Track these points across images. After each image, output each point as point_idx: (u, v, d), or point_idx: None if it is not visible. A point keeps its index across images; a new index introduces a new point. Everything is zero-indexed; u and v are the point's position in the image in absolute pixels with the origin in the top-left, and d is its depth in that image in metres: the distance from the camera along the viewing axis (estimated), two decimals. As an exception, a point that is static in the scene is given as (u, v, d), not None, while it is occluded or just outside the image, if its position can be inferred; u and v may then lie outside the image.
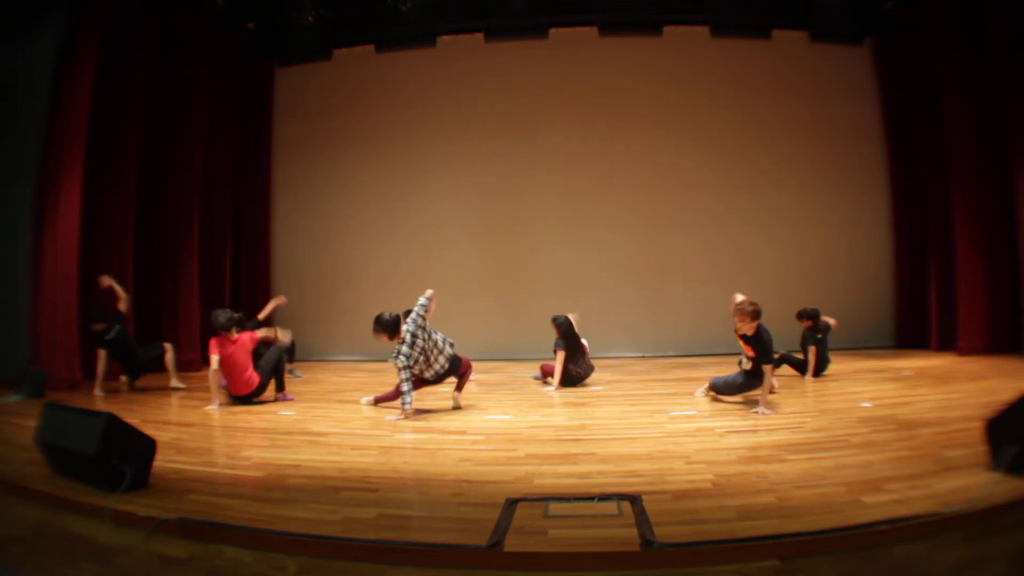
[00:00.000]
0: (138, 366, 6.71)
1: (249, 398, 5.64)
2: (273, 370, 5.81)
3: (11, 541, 3.12)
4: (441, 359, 5.22)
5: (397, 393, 5.10)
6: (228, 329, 5.58)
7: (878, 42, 9.65)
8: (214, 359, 5.47)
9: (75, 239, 6.93)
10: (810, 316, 6.72)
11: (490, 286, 9.79)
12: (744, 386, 5.11)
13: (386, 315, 4.99)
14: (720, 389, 5.27)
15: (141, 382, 6.79)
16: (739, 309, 4.81)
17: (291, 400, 5.85)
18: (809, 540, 2.29)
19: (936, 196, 8.59)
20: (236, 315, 5.81)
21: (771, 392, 5.03)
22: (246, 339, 5.68)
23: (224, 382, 5.64)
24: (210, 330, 5.73)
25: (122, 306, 6.55)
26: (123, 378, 6.73)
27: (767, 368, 4.81)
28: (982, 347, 7.76)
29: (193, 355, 8.27)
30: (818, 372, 6.61)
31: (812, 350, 6.59)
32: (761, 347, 4.82)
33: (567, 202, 9.86)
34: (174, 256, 8.60)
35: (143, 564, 2.63)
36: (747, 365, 5.08)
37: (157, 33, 8.01)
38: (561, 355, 6.32)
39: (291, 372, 8.04)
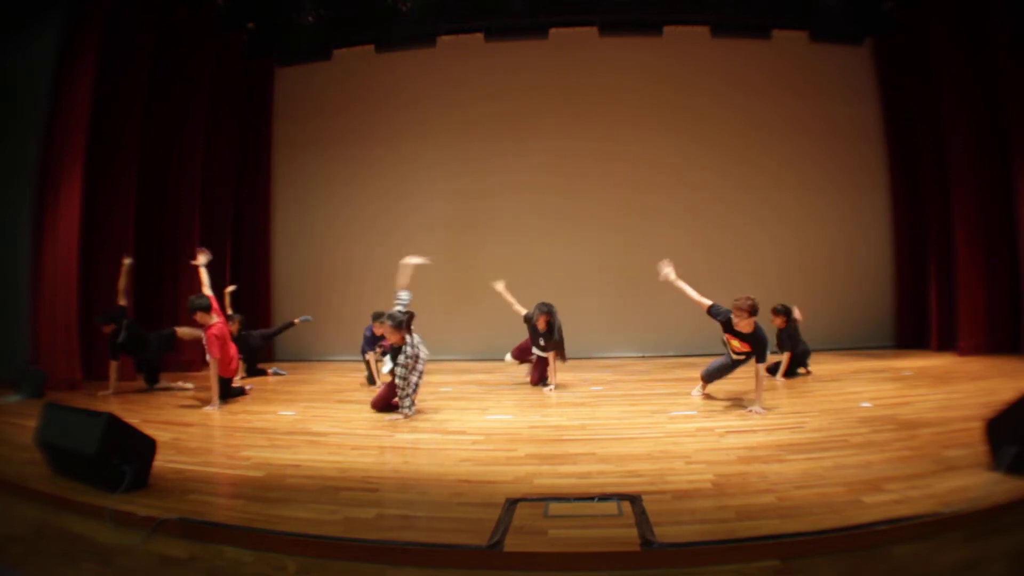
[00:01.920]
0: (155, 358, 6.70)
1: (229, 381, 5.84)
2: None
3: (11, 541, 3.12)
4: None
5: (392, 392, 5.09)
6: (208, 311, 5.64)
7: (878, 42, 9.65)
8: (213, 362, 5.55)
9: (75, 239, 6.93)
10: (785, 312, 6.57)
11: (490, 286, 9.79)
12: (730, 367, 5.21)
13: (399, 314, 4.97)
14: (711, 376, 5.37)
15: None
16: (737, 306, 4.77)
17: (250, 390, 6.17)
18: (809, 540, 2.29)
19: (936, 196, 8.60)
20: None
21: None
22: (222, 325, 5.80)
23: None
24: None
25: (121, 300, 6.50)
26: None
27: (760, 366, 4.82)
28: (982, 347, 7.76)
29: (194, 355, 8.27)
30: (802, 363, 6.61)
31: (787, 355, 6.52)
32: (759, 345, 4.82)
33: (568, 202, 9.86)
34: (174, 256, 8.59)
35: (143, 564, 2.62)
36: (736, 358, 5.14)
37: (157, 33, 8.02)
38: (553, 354, 6.30)
39: (275, 372, 8.14)
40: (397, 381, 4.89)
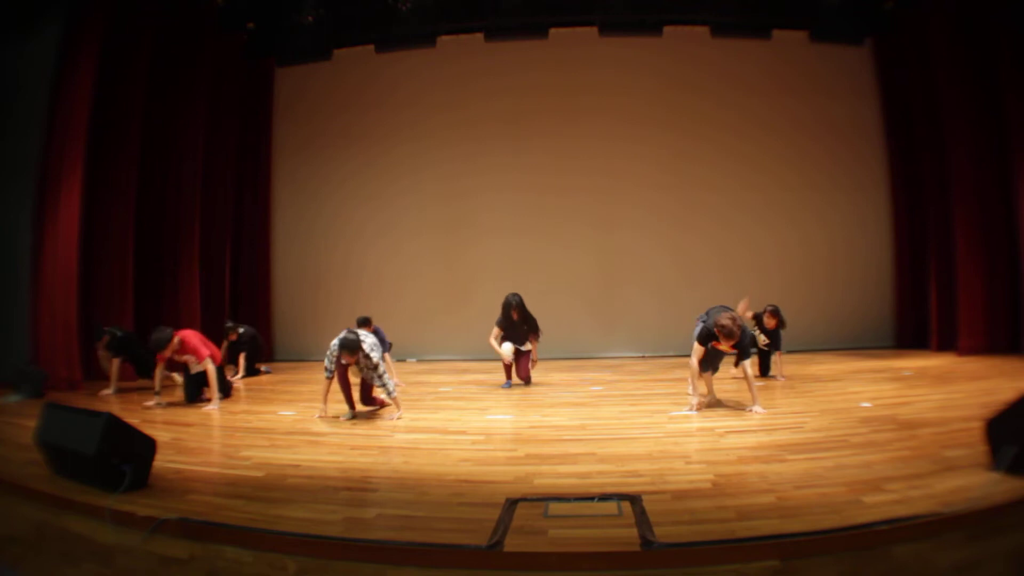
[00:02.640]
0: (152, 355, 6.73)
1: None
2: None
3: (11, 541, 3.12)
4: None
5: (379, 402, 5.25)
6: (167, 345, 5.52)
7: (878, 42, 9.65)
8: (208, 362, 5.59)
9: (75, 239, 6.93)
10: (776, 312, 6.44)
11: (489, 286, 9.78)
12: (718, 356, 5.03)
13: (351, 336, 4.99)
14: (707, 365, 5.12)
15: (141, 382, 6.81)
16: (722, 332, 4.57)
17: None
18: (809, 540, 2.29)
19: (936, 196, 8.60)
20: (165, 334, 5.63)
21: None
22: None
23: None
24: (209, 330, 5.76)
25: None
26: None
27: (746, 364, 4.76)
28: (982, 347, 7.76)
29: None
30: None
31: (778, 354, 6.50)
32: (742, 346, 4.74)
33: (567, 202, 9.86)
34: (174, 256, 8.60)
35: (143, 564, 2.62)
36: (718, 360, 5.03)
37: (157, 33, 8.02)
38: (533, 339, 6.43)
39: (266, 370, 8.27)
40: (369, 382, 5.05)
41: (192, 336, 5.75)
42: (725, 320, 4.57)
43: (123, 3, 7.43)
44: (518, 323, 6.37)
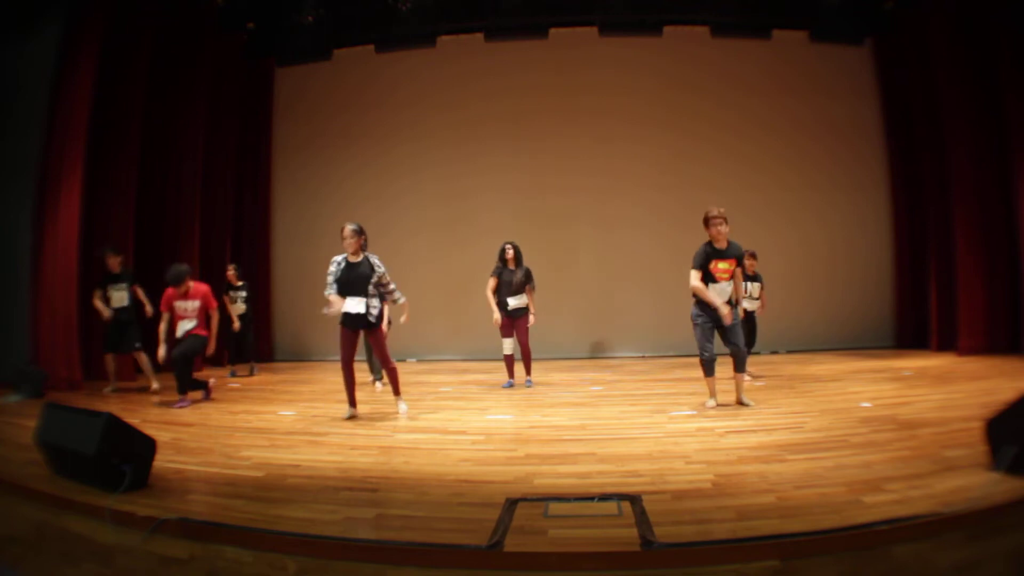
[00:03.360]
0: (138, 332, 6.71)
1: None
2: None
3: (11, 541, 3.12)
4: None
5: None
6: (183, 280, 5.63)
7: (878, 42, 9.66)
8: (215, 313, 5.85)
9: (75, 239, 6.93)
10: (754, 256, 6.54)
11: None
12: (712, 330, 5.06)
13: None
14: (713, 357, 5.13)
15: (136, 383, 6.80)
16: (713, 218, 4.80)
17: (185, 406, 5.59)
18: (809, 540, 2.29)
19: (936, 196, 8.60)
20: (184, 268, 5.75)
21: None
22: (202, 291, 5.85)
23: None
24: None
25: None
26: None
27: (739, 271, 5.07)
28: (982, 347, 7.76)
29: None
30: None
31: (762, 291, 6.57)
32: (739, 251, 5.01)
33: (567, 202, 9.86)
34: (174, 256, 8.58)
35: (143, 564, 2.62)
36: (722, 299, 4.88)
37: (157, 33, 8.02)
38: (529, 291, 6.40)
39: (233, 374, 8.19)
40: (387, 297, 5.26)
41: (203, 284, 5.93)
42: (709, 207, 4.85)
43: (123, 3, 7.43)
44: (512, 270, 6.31)
